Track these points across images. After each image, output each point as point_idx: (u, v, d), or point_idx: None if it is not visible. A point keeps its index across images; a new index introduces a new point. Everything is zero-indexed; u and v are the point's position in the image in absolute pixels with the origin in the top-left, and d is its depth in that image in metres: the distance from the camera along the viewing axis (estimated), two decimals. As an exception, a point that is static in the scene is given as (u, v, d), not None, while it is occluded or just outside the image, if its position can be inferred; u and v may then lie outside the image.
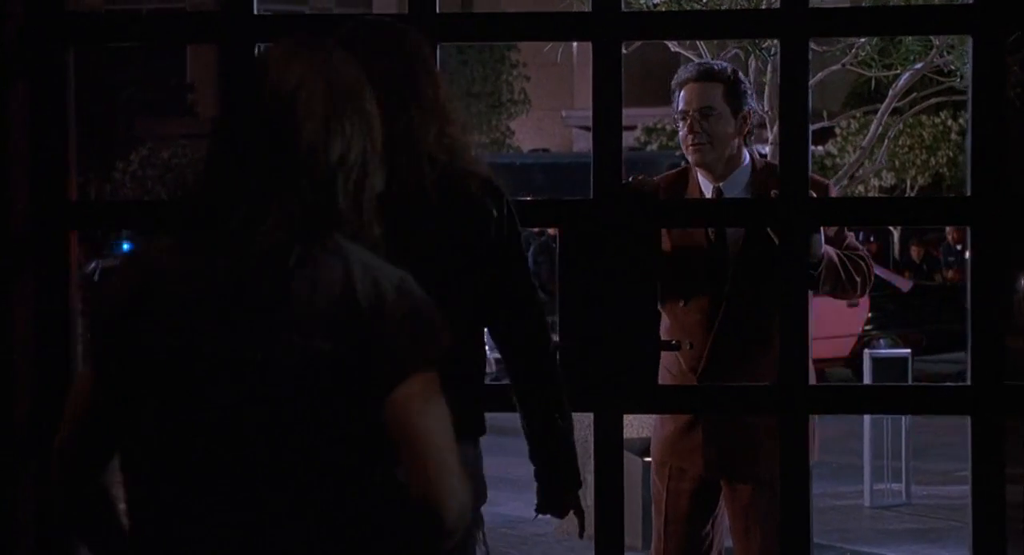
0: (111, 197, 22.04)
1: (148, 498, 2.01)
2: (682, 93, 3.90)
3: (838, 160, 20.01)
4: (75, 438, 2.05)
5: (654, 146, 23.19)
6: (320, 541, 1.96)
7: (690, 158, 3.92)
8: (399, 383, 1.95)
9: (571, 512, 2.95)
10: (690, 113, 3.87)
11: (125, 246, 17.42)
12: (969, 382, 3.49)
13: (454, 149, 2.74)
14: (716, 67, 3.94)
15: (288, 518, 1.96)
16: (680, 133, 3.93)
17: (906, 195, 19.49)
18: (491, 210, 2.73)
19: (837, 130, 20.33)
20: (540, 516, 2.94)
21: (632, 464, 6.18)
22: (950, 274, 17.47)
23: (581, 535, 2.99)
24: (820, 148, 19.81)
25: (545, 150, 24.85)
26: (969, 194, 3.48)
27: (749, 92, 3.94)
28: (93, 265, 16.11)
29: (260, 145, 1.99)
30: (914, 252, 19.25)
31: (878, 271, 3.97)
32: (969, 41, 3.48)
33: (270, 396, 1.95)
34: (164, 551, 1.99)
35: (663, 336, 3.90)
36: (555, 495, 2.89)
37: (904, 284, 15.19)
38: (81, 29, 3.57)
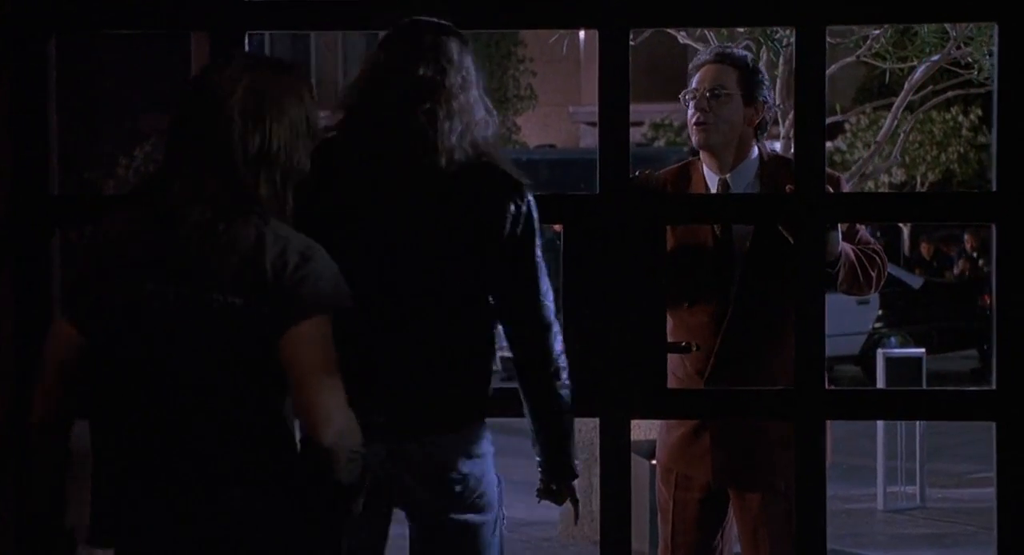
0: (115, 193, 21.98)
1: (108, 424, 2.58)
2: (697, 75, 3.81)
3: (847, 156, 19.91)
4: (57, 376, 2.58)
5: (661, 142, 23.09)
6: (235, 456, 2.49)
7: (694, 139, 3.80)
8: (292, 326, 2.45)
9: (568, 500, 3.12)
10: (700, 92, 3.74)
11: None
12: (994, 386, 3.36)
13: (478, 145, 2.91)
14: (736, 53, 3.84)
15: (210, 440, 2.49)
16: (688, 114, 3.79)
17: (916, 191, 19.35)
18: (508, 205, 2.90)
19: (847, 126, 20.23)
20: (541, 501, 3.16)
21: (639, 467, 6.06)
22: (961, 265, 17.37)
23: (576, 521, 3.20)
24: (829, 144, 19.71)
25: (551, 146, 24.77)
26: (994, 189, 3.35)
27: (766, 84, 3.83)
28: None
29: (192, 140, 2.53)
30: (924, 249, 19.15)
31: (889, 268, 3.84)
32: (994, 28, 3.35)
33: (195, 342, 2.48)
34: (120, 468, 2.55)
35: (668, 338, 3.76)
36: (553, 484, 3.09)
37: (915, 281, 15.11)
38: (63, 16, 3.48)
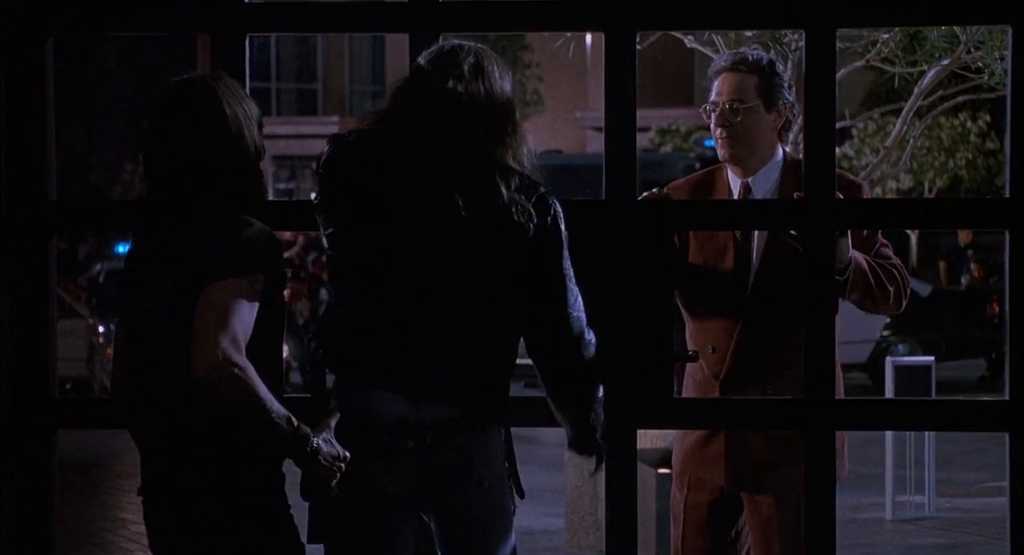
0: (120, 198, 21.98)
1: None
2: (716, 83, 3.78)
3: (855, 162, 19.85)
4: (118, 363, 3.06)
5: (668, 147, 23.04)
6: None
7: (719, 152, 3.79)
8: (209, 284, 2.81)
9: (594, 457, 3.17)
10: (720, 105, 3.72)
11: (122, 248, 17.54)
12: (1007, 396, 3.31)
13: (517, 159, 3.04)
14: (751, 57, 3.78)
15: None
16: (711, 127, 3.78)
17: (928, 198, 19.32)
18: (534, 213, 2.98)
19: (854, 131, 20.17)
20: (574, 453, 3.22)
21: (646, 476, 6.00)
22: (973, 271, 17.29)
23: (594, 472, 3.24)
24: (837, 150, 19.65)
25: (558, 151, 24.75)
26: (1007, 196, 3.29)
27: (786, 85, 3.79)
28: (99, 267, 16.17)
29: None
30: (962, 238, 18.98)
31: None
32: (1008, 32, 3.30)
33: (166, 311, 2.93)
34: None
35: (686, 340, 3.80)
36: (580, 438, 3.12)
37: (923, 289, 15.07)
38: (61, 17, 3.43)
